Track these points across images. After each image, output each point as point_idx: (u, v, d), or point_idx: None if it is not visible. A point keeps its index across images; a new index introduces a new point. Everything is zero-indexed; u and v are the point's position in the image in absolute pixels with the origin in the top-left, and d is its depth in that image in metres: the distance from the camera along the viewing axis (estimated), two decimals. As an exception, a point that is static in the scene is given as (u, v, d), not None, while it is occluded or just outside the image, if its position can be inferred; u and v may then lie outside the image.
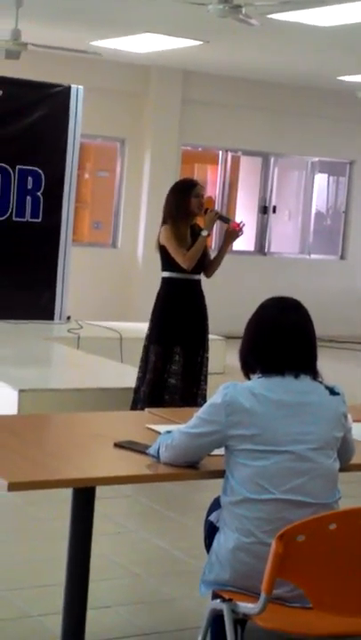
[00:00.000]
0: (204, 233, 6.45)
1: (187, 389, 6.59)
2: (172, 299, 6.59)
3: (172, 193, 6.59)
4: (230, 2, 6.54)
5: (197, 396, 6.59)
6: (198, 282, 6.65)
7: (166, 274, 6.60)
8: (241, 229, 6.64)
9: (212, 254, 6.81)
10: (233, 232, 6.69)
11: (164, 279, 6.64)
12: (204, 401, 6.40)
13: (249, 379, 3.15)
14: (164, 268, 6.59)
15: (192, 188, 6.53)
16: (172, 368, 6.61)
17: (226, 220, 6.67)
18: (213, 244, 12.22)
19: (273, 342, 3.11)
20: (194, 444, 3.12)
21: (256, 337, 3.15)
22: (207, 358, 6.74)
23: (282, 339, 3.10)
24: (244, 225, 6.65)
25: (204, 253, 6.60)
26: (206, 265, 6.65)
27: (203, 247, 6.47)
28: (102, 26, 9.49)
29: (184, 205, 6.48)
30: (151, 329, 6.68)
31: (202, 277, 6.67)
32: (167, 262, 6.55)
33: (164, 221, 6.55)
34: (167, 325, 6.58)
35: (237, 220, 6.85)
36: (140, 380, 6.69)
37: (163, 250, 6.53)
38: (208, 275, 6.70)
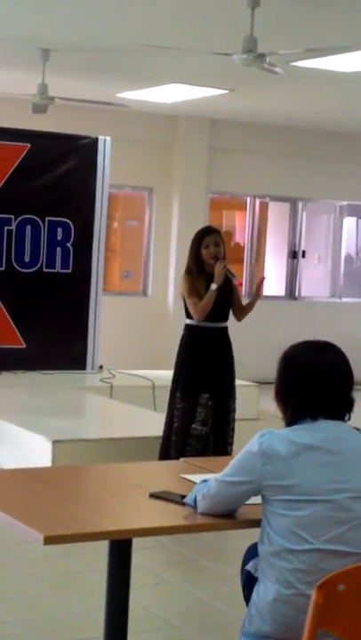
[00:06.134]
0: (213, 287, 6.45)
1: (219, 438, 6.56)
2: (193, 346, 6.63)
3: (191, 241, 6.66)
4: (254, 51, 6.59)
5: (228, 444, 6.56)
6: (222, 329, 6.64)
7: (188, 321, 6.65)
8: (259, 289, 6.67)
9: (245, 299, 6.84)
10: (257, 294, 6.70)
11: (186, 326, 6.70)
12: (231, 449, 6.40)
13: (289, 423, 3.08)
14: (187, 315, 6.66)
15: (203, 238, 6.56)
16: (201, 415, 6.60)
17: (231, 275, 6.58)
18: (244, 289, 12.24)
19: (311, 384, 3.02)
20: (230, 492, 3.08)
21: (294, 381, 3.06)
22: (233, 402, 6.70)
23: (320, 379, 3.02)
24: (240, 283, 6.64)
25: (231, 300, 6.63)
26: (236, 311, 6.67)
27: (212, 300, 6.47)
28: (128, 77, 9.60)
29: (196, 255, 6.55)
30: (175, 374, 6.71)
31: (229, 324, 6.68)
32: (188, 310, 6.63)
33: (185, 270, 6.66)
34: (190, 372, 6.59)
35: (265, 272, 6.90)
36: (168, 426, 6.69)
37: (184, 298, 6.63)
38: (238, 319, 6.71)
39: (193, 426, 6.60)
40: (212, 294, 6.46)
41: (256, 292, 6.76)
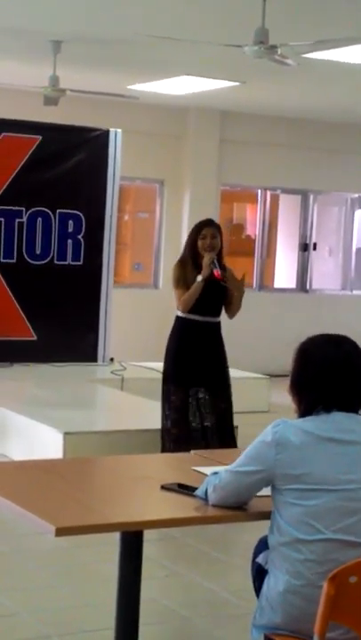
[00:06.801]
0: (199, 279, 6.42)
1: (223, 431, 6.53)
2: (180, 337, 6.59)
3: (189, 232, 6.65)
4: (266, 43, 6.58)
5: (231, 436, 6.54)
6: (212, 324, 6.58)
7: (178, 312, 6.62)
8: (223, 280, 6.42)
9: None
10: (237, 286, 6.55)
11: (175, 317, 6.66)
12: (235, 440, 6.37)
13: (303, 416, 3.09)
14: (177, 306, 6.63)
15: (201, 229, 6.52)
16: (200, 410, 6.56)
17: (214, 266, 6.43)
18: (255, 283, 12.23)
19: (326, 377, 3.03)
20: (243, 482, 3.08)
21: (309, 374, 3.07)
22: (229, 397, 6.64)
23: (335, 373, 3.03)
24: (223, 276, 6.45)
25: (225, 297, 6.53)
26: (225, 306, 6.60)
27: (197, 292, 6.42)
28: (139, 70, 9.59)
29: (192, 246, 6.52)
30: (164, 366, 6.70)
31: (222, 319, 6.64)
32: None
33: (177, 260, 6.64)
34: (178, 364, 6.56)
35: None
36: (166, 418, 6.68)
37: None
38: (228, 315, 6.65)
39: (191, 419, 6.57)
40: (197, 286, 6.42)
41: (235, 284, 6.51)
